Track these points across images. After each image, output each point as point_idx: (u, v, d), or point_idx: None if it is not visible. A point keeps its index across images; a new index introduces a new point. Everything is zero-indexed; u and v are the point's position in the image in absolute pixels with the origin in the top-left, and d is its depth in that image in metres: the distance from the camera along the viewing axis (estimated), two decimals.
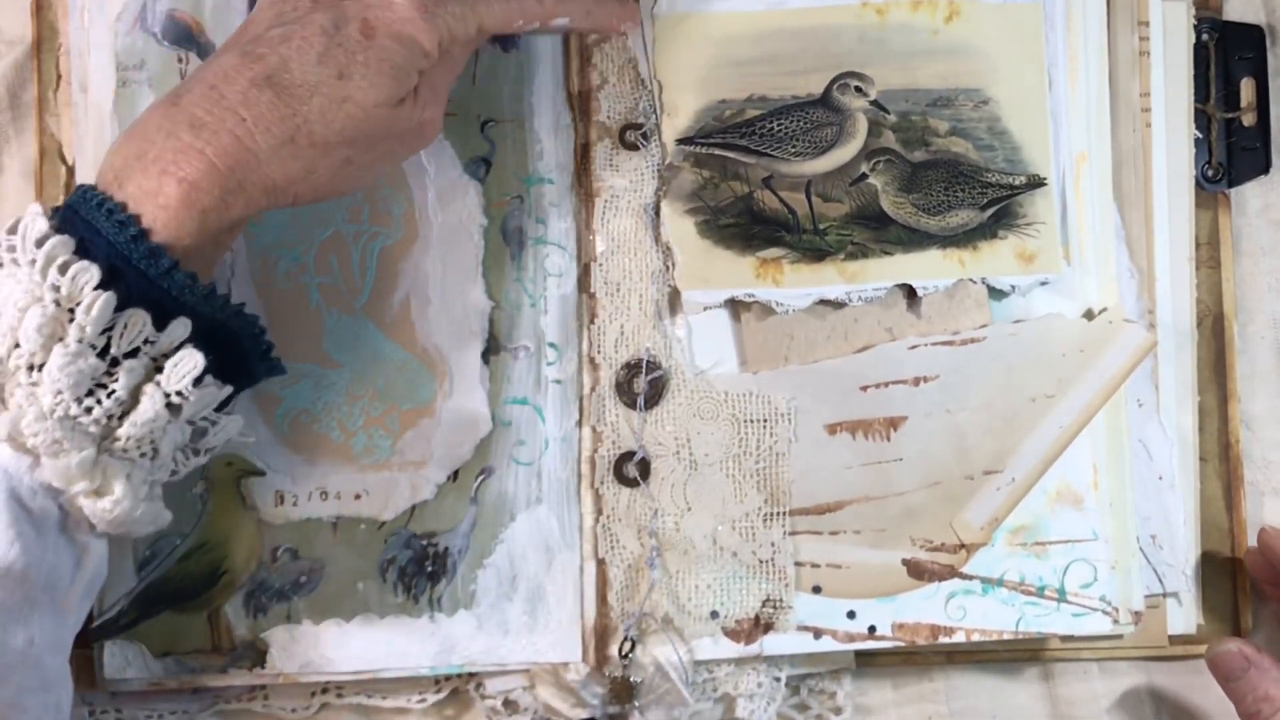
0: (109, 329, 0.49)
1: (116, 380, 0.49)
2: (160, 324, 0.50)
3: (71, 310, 0.48)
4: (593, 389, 0.63)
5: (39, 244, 0.48)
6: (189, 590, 0.61)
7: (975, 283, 0.63)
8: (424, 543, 0.62)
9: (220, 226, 0.50)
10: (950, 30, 0.64)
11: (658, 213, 0.63)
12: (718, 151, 0.63)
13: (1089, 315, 0.63)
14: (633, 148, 0.64)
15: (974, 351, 0.63)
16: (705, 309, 0.63)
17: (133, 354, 0.50)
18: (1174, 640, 0.66)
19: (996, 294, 0.63)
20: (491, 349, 0.63)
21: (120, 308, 0.49)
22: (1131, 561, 0.63)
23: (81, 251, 0.49)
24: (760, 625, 0.62)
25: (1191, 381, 0.66)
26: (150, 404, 0.50)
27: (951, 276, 0.63)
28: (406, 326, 0.63)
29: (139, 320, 0.49)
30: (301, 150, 0.51)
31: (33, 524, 0.49)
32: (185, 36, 0.63)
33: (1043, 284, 0.63)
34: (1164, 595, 0.65)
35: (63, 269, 0.48)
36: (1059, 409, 0.62)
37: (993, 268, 0.63)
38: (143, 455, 0.51)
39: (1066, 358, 0.62)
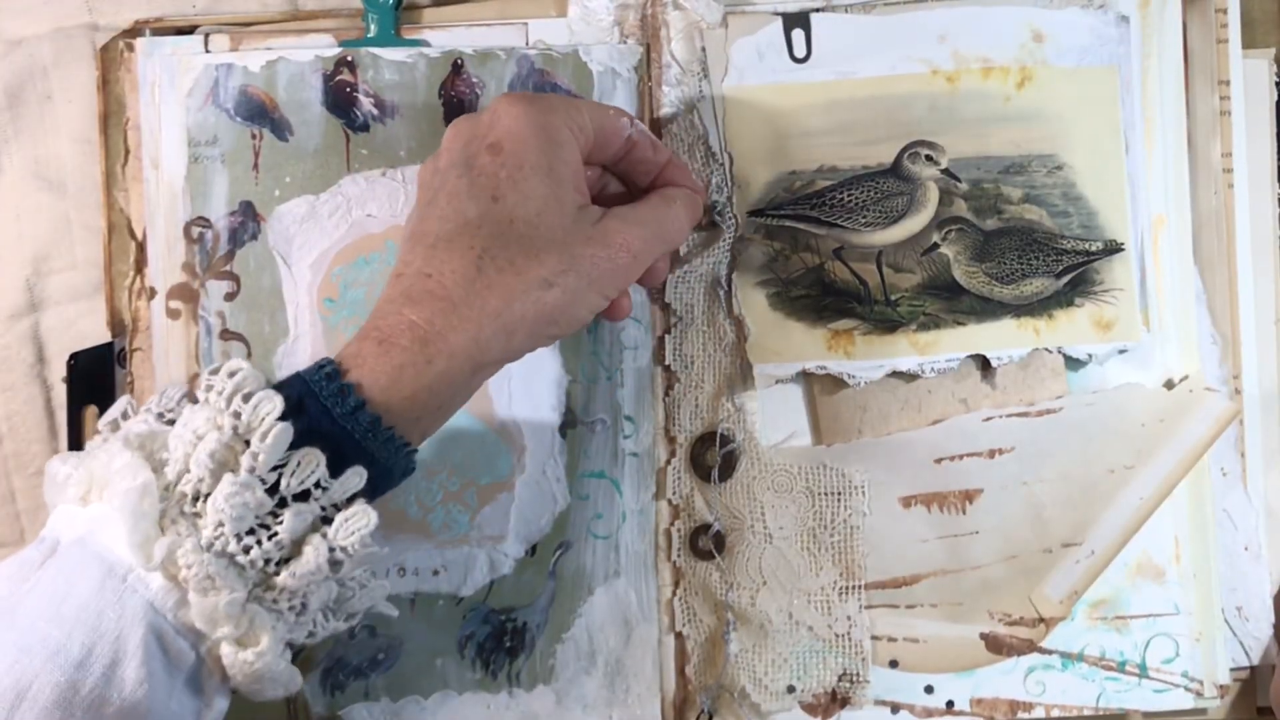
0: (281, 466, 0.47)
1: (281, 523, 0.47)
2: (335, 467, 0.47)
3: (247, 441, 0.47)
4: (668, 462, 0.63)
5: (231, 375, 0.48)
6: None
7: (1051, 352, 0.62)
8: (502, 618, 0.62)
9: (419, 384, 0.49)
10: (1023, 96, 0.63)
11: (730, 285, 0.63)
12: (789, 223, 0.63)
13: (1169, 384, 0.62)
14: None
15: (1050, 423, 0.62)
16: (777, 381, 0.63)
17: (302, 497, 0.47)
18: (1261, 712, 0.64)
19: (1073, 363, 0.63)
20: (568, 422, 0.63)
21: (297, 444, 0.47)
22: (1216, 634, 0.62)
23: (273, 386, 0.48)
24: (837, 700, 0.62)
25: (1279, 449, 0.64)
26: (314, 556, 0.47)
27: (1026, 346, 0.62)
28: (484, 402, 0.63)
29: (313, 460, 0.47)
30: (491, 279, 0.50)
31: (166, 668, 0.46)
32: (259, 112, 0.63)
33: (1121, 352, 0.62)
34: (1250, 668, 0.64)
35: (246, 397, 0.47)
36: (1139, 480, 0.61)
37: (1069, 336, 0.62)
38: (290, 609, 0.48)
39: (1146, 428, 0.61)
